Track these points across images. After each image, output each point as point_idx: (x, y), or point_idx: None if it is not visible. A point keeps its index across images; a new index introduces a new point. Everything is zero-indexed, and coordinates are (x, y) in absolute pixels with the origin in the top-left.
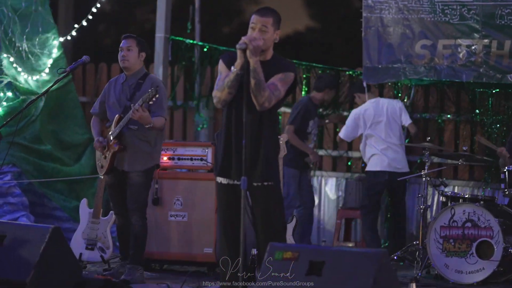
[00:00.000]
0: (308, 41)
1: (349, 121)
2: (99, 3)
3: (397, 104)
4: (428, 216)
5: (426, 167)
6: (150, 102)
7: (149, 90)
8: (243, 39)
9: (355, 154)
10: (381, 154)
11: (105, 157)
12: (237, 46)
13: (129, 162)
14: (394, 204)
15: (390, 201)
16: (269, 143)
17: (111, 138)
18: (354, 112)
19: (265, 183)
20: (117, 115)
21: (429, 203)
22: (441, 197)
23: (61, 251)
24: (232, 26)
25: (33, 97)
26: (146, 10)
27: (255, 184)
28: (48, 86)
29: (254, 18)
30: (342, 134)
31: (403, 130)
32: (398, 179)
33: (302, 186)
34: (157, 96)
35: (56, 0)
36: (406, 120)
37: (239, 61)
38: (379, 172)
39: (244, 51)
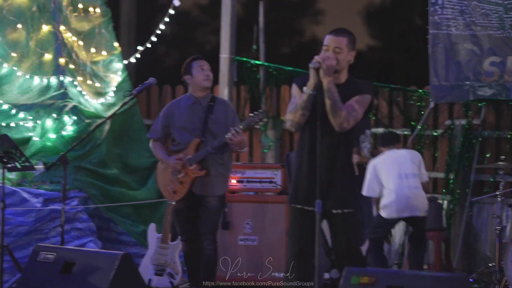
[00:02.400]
0: (369, 59)
1: (368, 174)
2: (163, 24)
3: (414, 154)
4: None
5: (501, 187)
6: (257, 126)
7: (255, 113)
8: (316, 58)
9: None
10: (393, 203)
11: (181, 182)
12: (310, 65)
13: (209, 186)
14: (413, 237)
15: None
16: (345, 168)
17: (192, 162)
18: (372, 163)
19: (345, 210)
20: (196, 139)
21: (505, 224)
22: None
23: (131, 277)
24: (292, 46)
25: (99, 121)
26: (206, 31)
27: (334, 211)
28: (114, 110)
29: (327, 38)
30: (364, 191)
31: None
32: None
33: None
34: (264, 119)
35: (118, 22)
36: (422, 176)
37: (311, 81)
38: (390, 219)
39: (317, 70)
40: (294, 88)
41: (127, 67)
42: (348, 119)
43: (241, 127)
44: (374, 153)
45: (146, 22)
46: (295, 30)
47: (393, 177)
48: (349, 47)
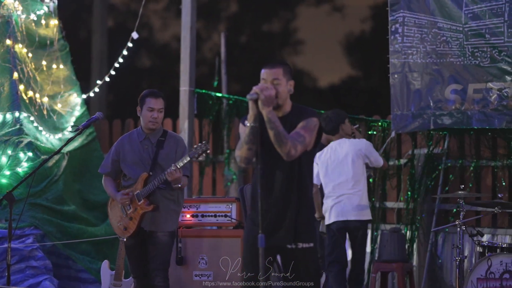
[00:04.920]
0: (352, 89)
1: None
2: (122, 57)
3: (360, 144)
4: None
5: (461, 216)
6: (200, 158)
7: (198, 145)
8: (254, 89)
9: (389, 204)
10: (334, 207)
11: (131, 218)
12: (248, 96)
13: (159, 222)
14: (352, 252)
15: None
16: (298, 199)
17: (140, 197)
18: (317, 154)
19: (301, 245)
20: (144, 173)
21: (466, 254)
22: (477, 247)
23: None
24: None
25: (56, 157)
26: None
27: (289, 246)
28: (60, 146)
29: (263, 73)
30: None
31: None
32: (356, 228)
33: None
34: (208, 151)
35: (90, 56)
36: (378, 161)
37: (251, 113)
38: (332, 224)
39: (256, 102)
40: (240, 128)
41: (100, 101)
42: (295, 146)
43: (185, 160)
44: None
45: (118, 55)
46: (275, 60)
47: (330, 180)
48: (286, 77)
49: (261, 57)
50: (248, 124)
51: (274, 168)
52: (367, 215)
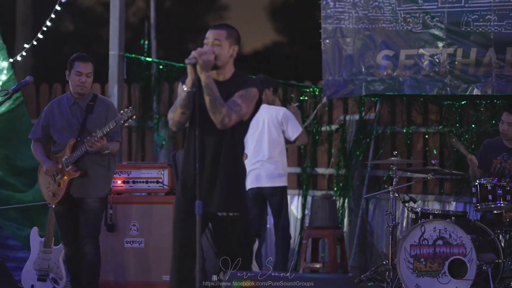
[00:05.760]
0: (276, 55)
1: None
2: (50, 20)
3: (277, 111)
4: (399, 234)
5: (394, 183)
6: (127, 124)
7: (125, 110)
8: (193, 53)
9: (320, 170)
10: (249, 174)
11: (59, 184)
12: (186, 61)
13: (88, 188)
14: (273, 219)
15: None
16: (229, 167)
17: (68, 163)
18: None
19: (231, 214)
20: (72, 139)
21: (399, 220)
22: (410, 214)
23: (4, 285)
24: (198, 42)
25: None
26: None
27: (219, 214)
28: None
29: (208, 33)
30: None
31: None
32: (270, 194)
33: None
34: (134, 117)
35: (14, 20)
36: (293, 132)
37: (189, 78)
38: (248, 191)
39: (194, 66)
40: (179, 87)
41: (25, 65)
42: (230, 115)
43: (111, 126)
44: None
45: (43, 19)
46: (200, 26)
47: (247, 147)
48: (229, 41)
49: (186, 22)
50: (184, 88)
51: (207, 134)
52: (281, 182)
